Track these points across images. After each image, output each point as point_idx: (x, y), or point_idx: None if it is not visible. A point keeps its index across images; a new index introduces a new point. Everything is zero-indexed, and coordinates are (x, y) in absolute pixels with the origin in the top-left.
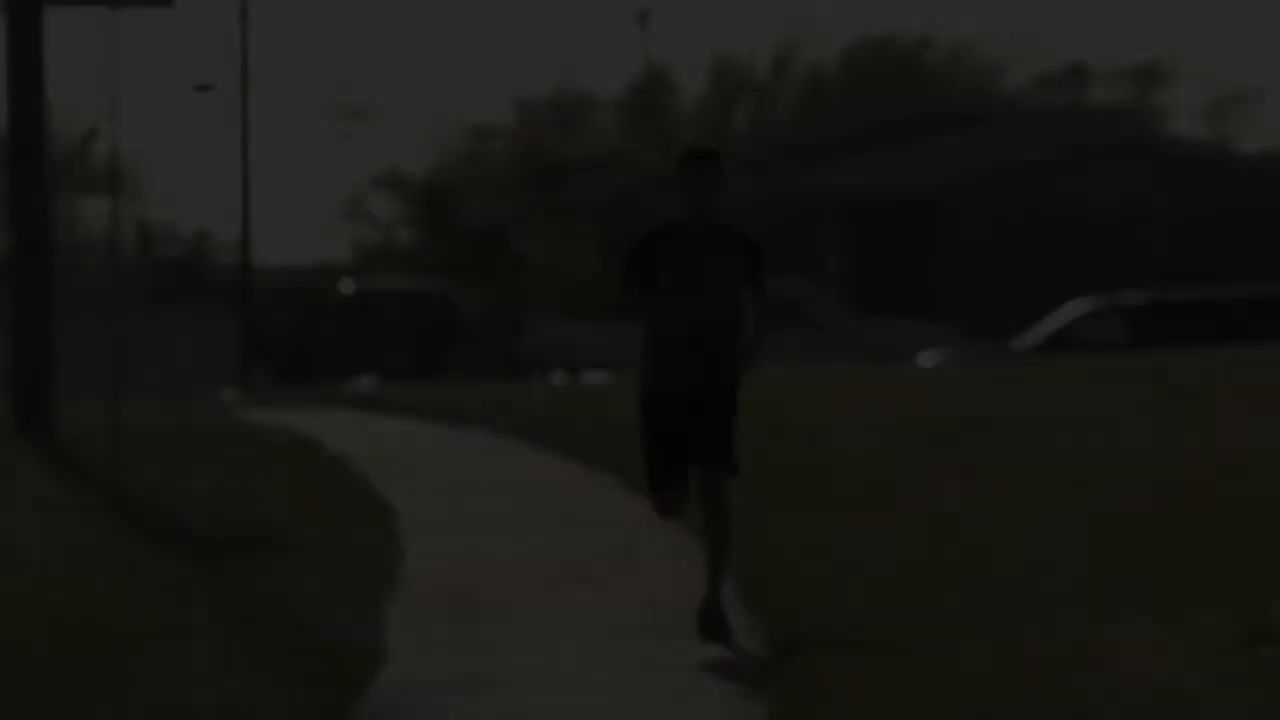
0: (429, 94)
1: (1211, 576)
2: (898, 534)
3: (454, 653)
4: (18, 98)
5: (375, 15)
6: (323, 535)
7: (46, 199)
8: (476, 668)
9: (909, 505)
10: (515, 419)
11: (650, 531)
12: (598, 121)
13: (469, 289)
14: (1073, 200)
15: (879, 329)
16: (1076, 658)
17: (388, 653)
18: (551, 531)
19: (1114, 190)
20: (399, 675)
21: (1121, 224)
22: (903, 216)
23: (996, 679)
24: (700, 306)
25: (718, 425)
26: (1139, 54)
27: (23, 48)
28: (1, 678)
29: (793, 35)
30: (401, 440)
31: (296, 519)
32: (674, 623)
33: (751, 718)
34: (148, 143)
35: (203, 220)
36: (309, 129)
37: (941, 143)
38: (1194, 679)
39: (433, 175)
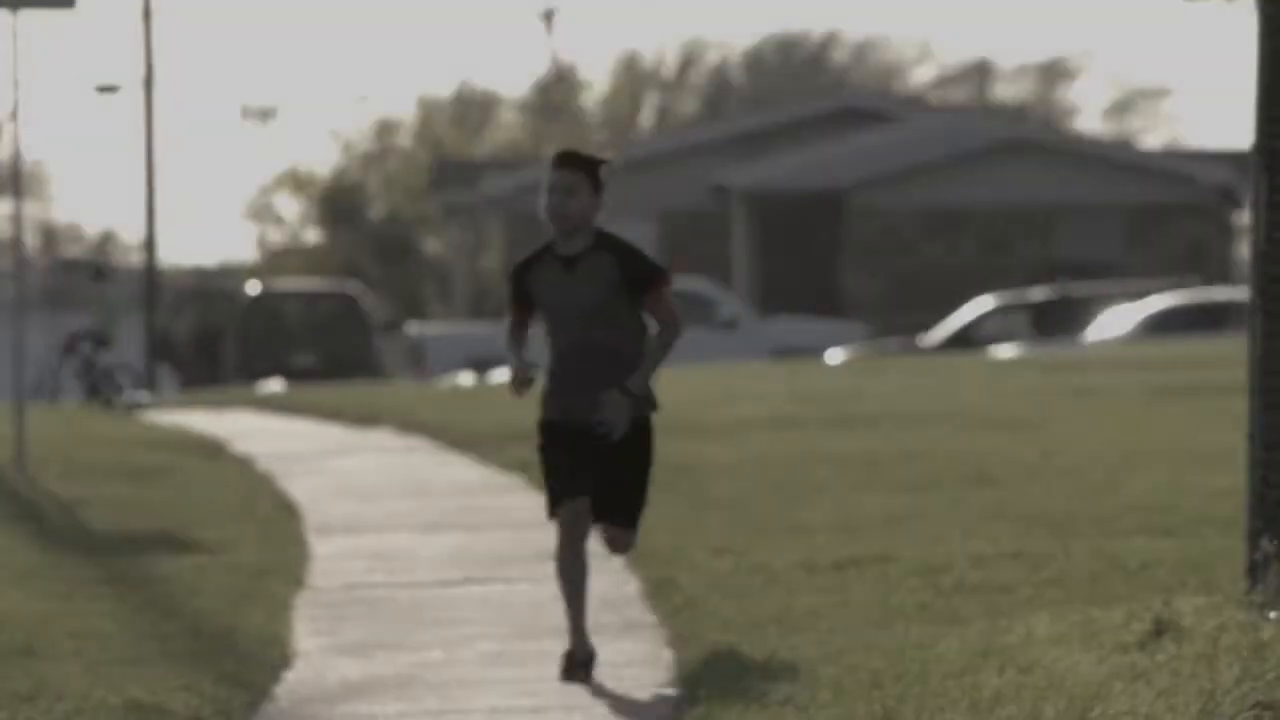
0: (334, 93)
1: (1115, 572)
2: (801, 531)
3: (361, 653)
4: None
5: (280, 15)
6: (229, 536)
7: None
8: (383, 668)
9: (811, 502)
10: (422, 420)
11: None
12: (503, 119)
13: (375, 289)
14: (978, 197)
15: (785, 326)
16: (978, 652)
17: (294, 653)
18: (458, 532)
19: (1019, 187)
20: (306, 676)
21: (1026, 220)
22: (808, 214)
23: (896, 674)
24: (581, 339)
25: (623, 477)
26: (1043, 51)
27: None
28: None
29: (698, 34)
30: (308, 441)
31: (202, 520)
32: None
33: (660, 716)
34: (52, 145)
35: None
36: (214, 129)
37: (846, 140)
38: (1096, 672)
39: (338, 174)
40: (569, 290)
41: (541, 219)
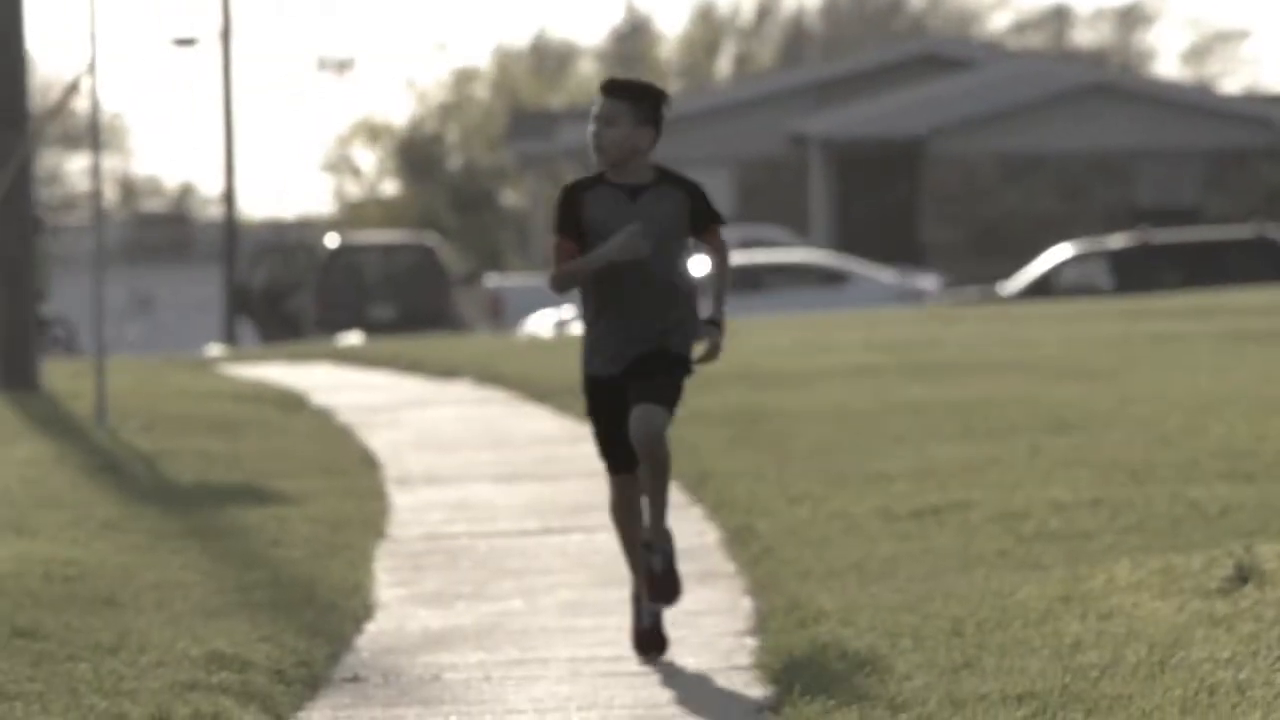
0: (411, 43)
1: (1196, 519)
2: (880, 479)
3: (441, 603)
4: None
5: None
6: (309, 488)
7: (28, 156)
8: (463, 618)
9: (889, 451)
10: (500, 371)
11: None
12: (580, 69)
13: (452, 241)
14: (1056, 143)
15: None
16: (1058, 599)
17: (375, 604)
18: (536, 482)
19: (1098, 133)
20: (386, 626)
21: (1105, 167)
22: (886, 162)
23: (977, 621)
24: (644, 276)
25: (659, 371)
26: None
27: (1, 3)
28: None
29: None
30: (387, 394)
31: (283, 472)
32: None
33: (739, 663)
34: (131, 98)
35: (187, 175)
36: (291, 81)
37: (924, 87)
38: (1177, 619)
39: (415, 126)
40: (635, 219)
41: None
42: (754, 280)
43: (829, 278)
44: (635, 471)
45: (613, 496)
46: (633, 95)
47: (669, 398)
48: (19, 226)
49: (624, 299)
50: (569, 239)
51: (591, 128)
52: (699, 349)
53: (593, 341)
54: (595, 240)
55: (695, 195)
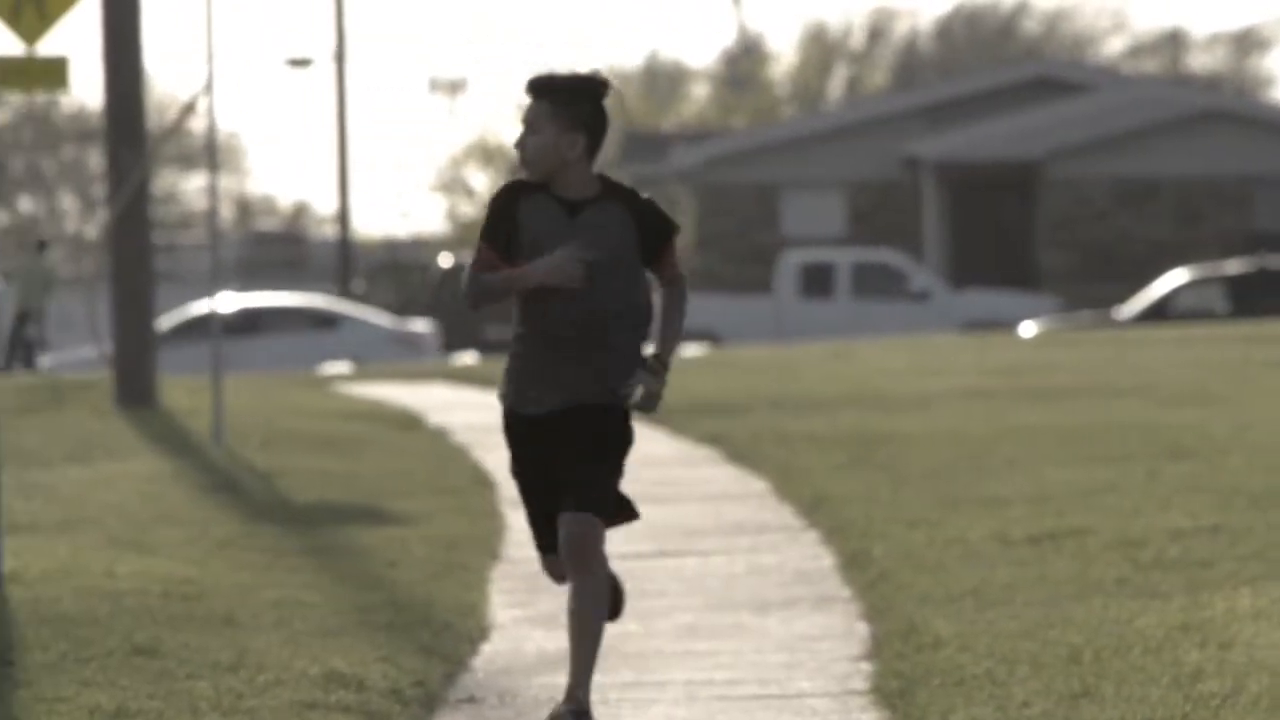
0: (522, 65)
1: None
2: (995, 504)
3: (556, 625)
4: (115, 73)
5: None
6: (425, 508)
7: (145, 175)
8: None
9: (1004, 475)
10: None
11: (752, 506)
12: (691, 91)
13: None
14: (1172, 168)
15: (977, 299)
16: (1178, 627)
17: (491, 625)
18: (652, 505)
19: (1213, 157)
20: (502, 647)
21: (1221, 192)
22: (1000, 185)
23: (1095, 649)
24: (582, 304)
25: (592, 446)
26: (1237, 20)
27: (120, 23)
28: (110, 652)
29: (886, 4)
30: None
31: (399, 492)
32: (778, 596)
33: (855, 687)
34: (247, 118)
35: (301, 194)
36: (404, 102)
37: (1039, 111)
38: None
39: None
40: (572, 238)
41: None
42: (252, 323)
43: (321, 321)
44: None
45: (552, 575)
46: (557, 95)
47: (605, 495)
48: (136, 246)
49: (554, 330)
50: (492, 248)
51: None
52: (633, 396)
53: (516, 371)
54: (526, 256)
55: (644, 212)
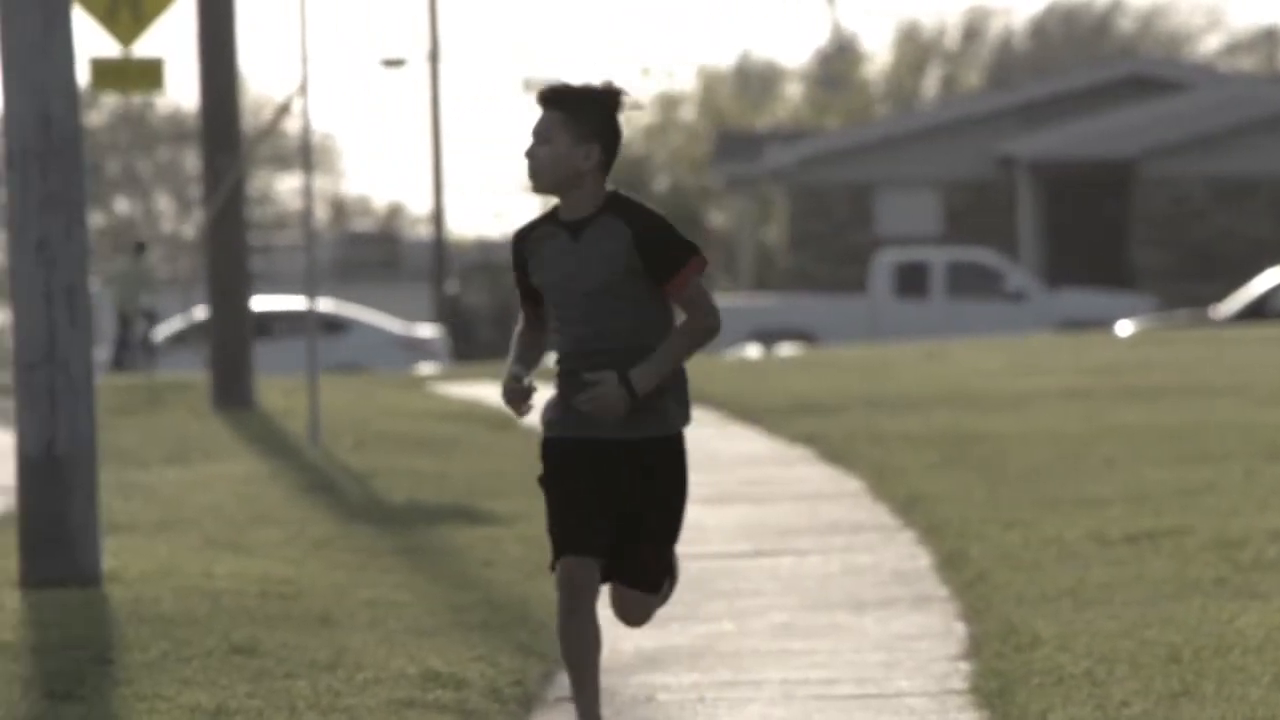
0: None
1: None
2: (1093, 504)
3: (653, 624)
4: (210, 74)
5: None
6: (519, 508)
7: (240, 176)
8: (675, 639)
9: (1101, 475)
10: (709, 392)
11: (846, 505)
12: (785, 91)
13: None
14: (1270, 166)
15: (1073, 298)
16: (1278, 627)
17: None
18: (747, 504)
19: None
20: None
21: None
22: (1096, 184)
23: (1194, 649)
24: (588, 331)
25: (643, 518)
26: None
27: (215, 24)
28: (208, 651)
29: (981, 3)
30: None
31: (493, 491)
32: (874, 596)
33: (953, 687)
34: (342, 119)
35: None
36: (498, 102)
37: (1134, 109)
38: None
39: (621, 147)
40: (574, 265)
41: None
42: (263, 328)
43: (330, 326)
44: (593, 557)
45: (560, 604)
46: (571, 105)
47: (662, 569)
48: (232, 247)
49: (573, 359)
50: (524, 300)
51: (528, 153)
52: (587, 392)
53: (550, 400)
54: (543, 287)
55: (646, 229)
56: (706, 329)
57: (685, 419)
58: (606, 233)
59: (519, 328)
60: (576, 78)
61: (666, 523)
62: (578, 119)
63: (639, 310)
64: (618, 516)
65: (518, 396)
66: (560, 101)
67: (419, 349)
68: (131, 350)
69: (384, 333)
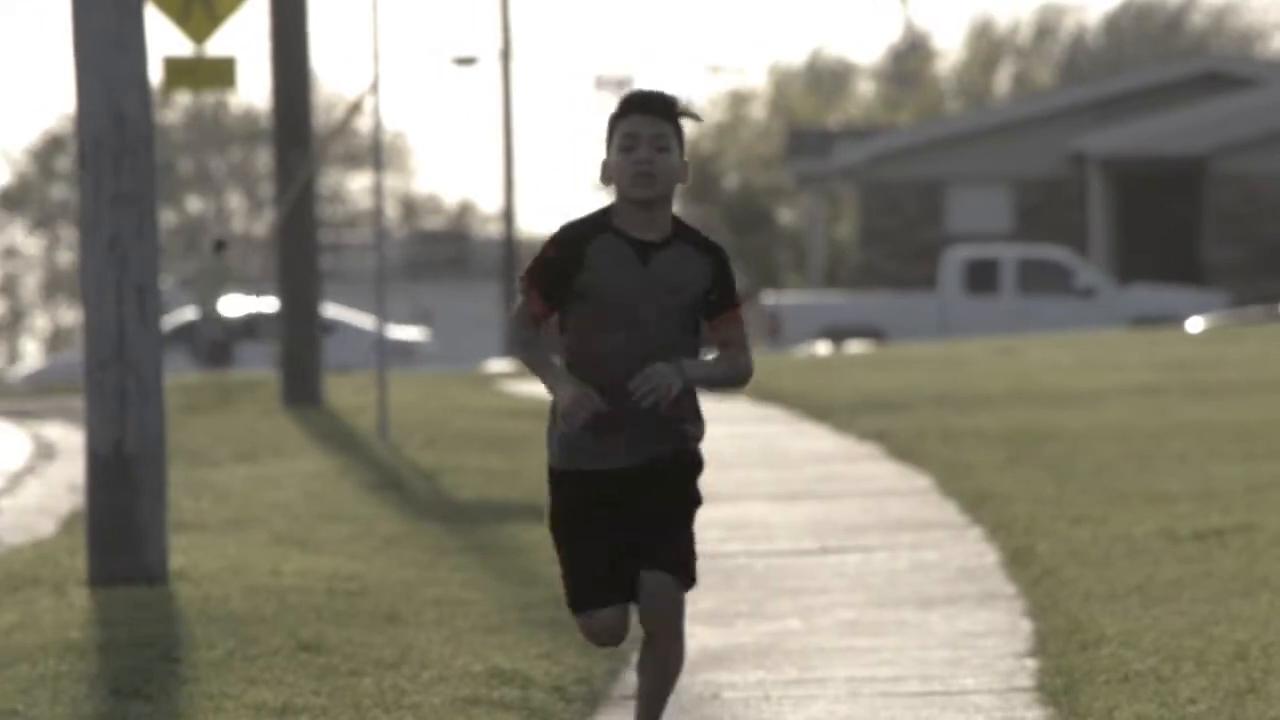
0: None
1: None
2: (1162, 500)
3: (719, 622)
4: (282, 73)
5: None
6: None
7: (311, 174)
8: (741, 637)
9: (1171, 471)
10: (778, 389)
11: (914, 502)
12: (857, 88)
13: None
14: None
15: (1144, 295)
16: None
17: None
18: (814, 501)
19: None
20: None
21: None
22: (1168, 180)
23: (1262, 645)
24: (641, 358)
25: (670, 512)
26: None
27: (287, 22)
28: (275, 649)
29: (1054, 0)
30: None
31: None
32: (941, 592)
33: (1019, 684)
34: (413, 117)
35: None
36: (569, 100)
37: (1207, 105)
38: None
39: (691, 145)
40: (644, 288)
41: (615, 183)
42: (250, 329)
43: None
44: (620, 606)
45: (591, 634)
46: (676, 119)
47: (685, 556)
48: (302, 245)
49: (616, 382)
50: (542, 297)
51: (624, 156)
52: (638, 382)
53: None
54: (597, 307)
55: (721, 265)
56: (748, 369)
57: (700, 436)
58: (683, 260)
59: (525, 333)
60: (651, 84)
61: (680, 514)
62: (680, 133)
63: (686, 344)
64: (637, 520)
65: (590, 406)
66: (672, 114)
67: (403, 352)
68: (206, 348)
69: (367, 334)
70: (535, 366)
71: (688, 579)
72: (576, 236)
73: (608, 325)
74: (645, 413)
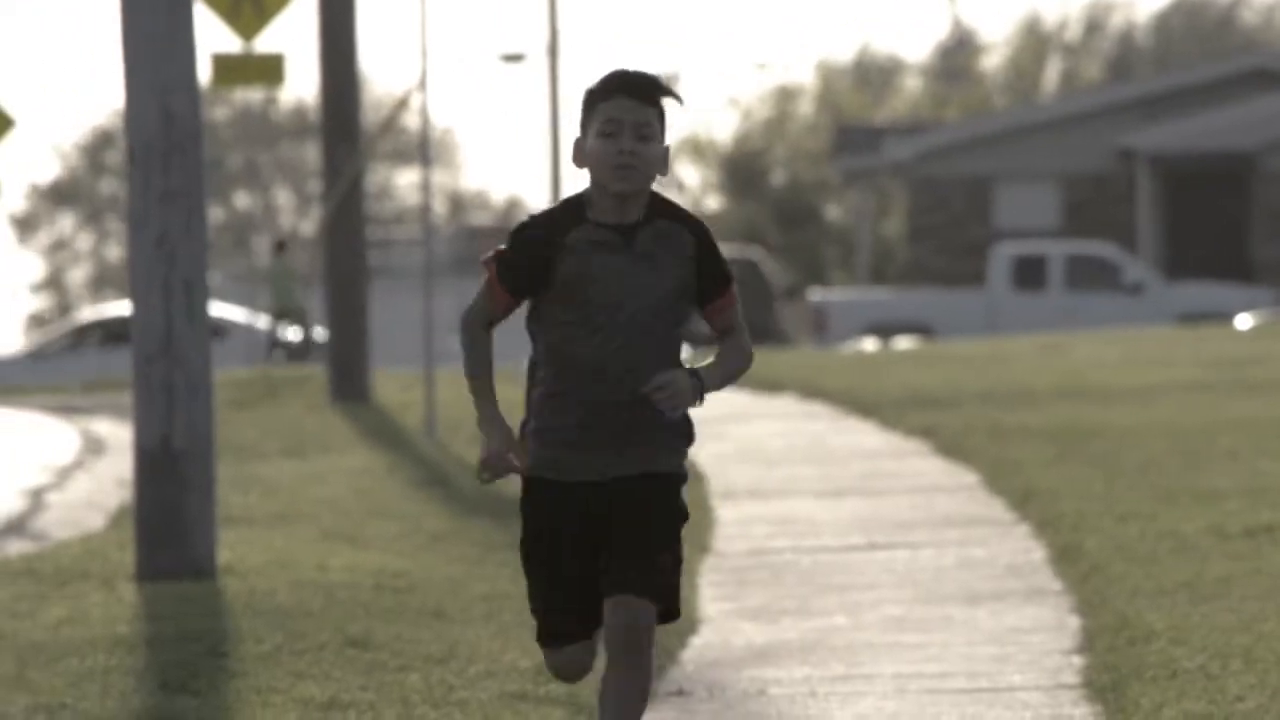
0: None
1: None
2: (1211, 497)
3: (765, 618)
4: (330, 69)
5: None
6: None
7: (360, 171)
8: (787, 633)
9: (1220, 468)
10: (824, 386)
11: (962, 499)
12: (904, 84)
13: (776, 255)
14: None
15: (1193, 291)
16: None
17: (700, 618)
18: (861, 497)
19: None
20: (712, 640)
21: None
22: (1216, 177)
23: None
24: (625, 352)
25: (649, 530)
26: None
27: (335, 19)
28: (322, 644)
29: None
30: (711, 407)
31: None
32: (988, 589)
33: (1066, 681)
34: (461, 113)
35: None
36: None
37: (1256, 103)
38: None
39: (739, 141)
40: (630, 276)
41: (590, 170)
42: (117, 335)
43: (213, 331)
44: (587, 641)
45: (557, 668)
46: (662, 100)
47: (661, 580)
48: (351, 241)
49: (597, 384)
50: (507, 290)
51: (605, 142)
52: (660, 383)
53: (542, 428)
54: (579, 301)
55: (704, 240)
56: (750, 352)
57: (679, 459)
58: (666, 238)
59: (475, 336)
60: (647, 70)
61: (664, 527)
62: (663, 118)
63: (672, 333)
64: (613, 536)
65: (501, 470)
66: (658, 98)
67: (286, 350)
68: (278, 347)
69: (259, 334)
70: (472, 388)
71: (666, 610)
72: (554, 224)
73: (591, 322)
74: (628, 422)
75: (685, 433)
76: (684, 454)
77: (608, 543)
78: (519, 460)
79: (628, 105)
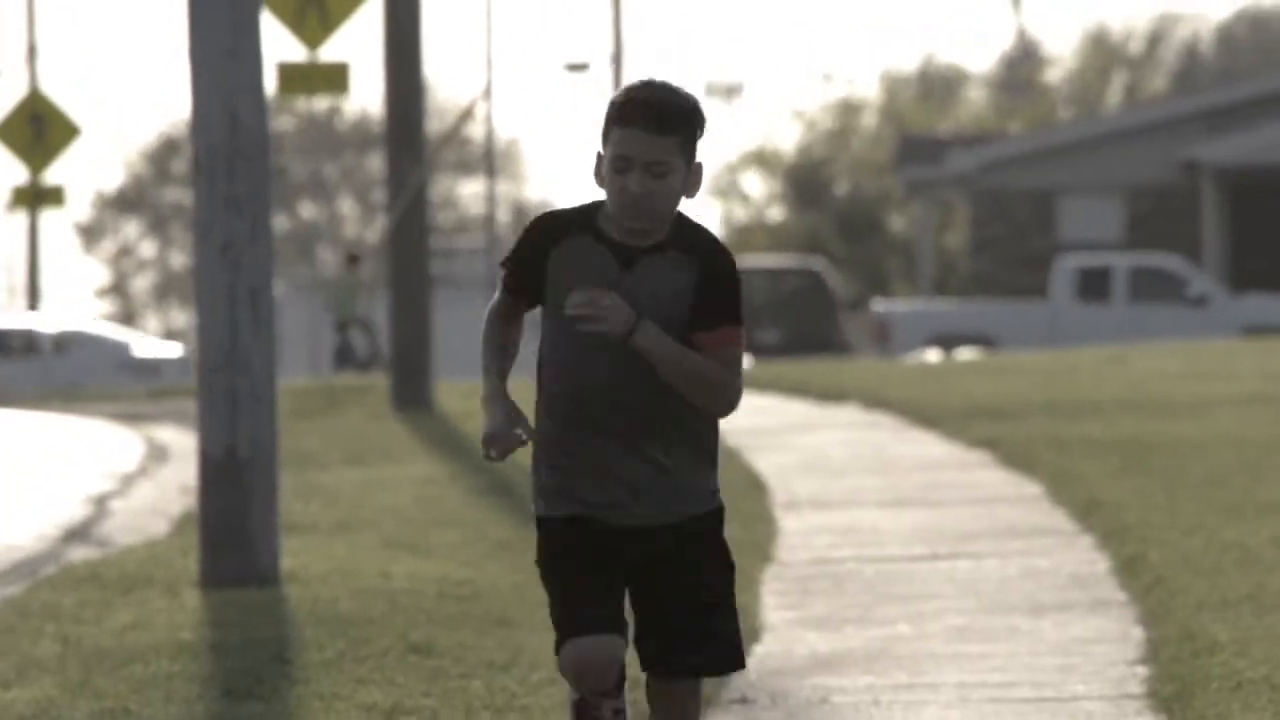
0: (798, 70)
1: None
2: (1275, 510)
3: (828, 627)
4: (396, 78)
5: None
6: None
7: (424, 180)
8: (850, 642)
9: None
10: (887, 396)
11: (1025, 510)
12: (968, 95)
13: (839, 266)
14: None
15: (1257, 304)
16: None
17: (763, 626)
18: (923, 508)
19: None
20: (775, 649)
21: None
22: None
23: None
24: (621, 381)
25: (704, 591)
26: None
27: (400, 29)
28: (385, 650)
29: (1168, 9)
30: (774, 417)
31: None
32: (1052, 600)
33: (1130, 691)
34: (525, 123)
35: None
36: None
37: None
38: None
39: (803, 152)
40: (624, 289)
41: (608, 193)
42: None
43: (56, 345)
44: (612, 635)
45: (575, 699)
46: (687, 127)
47: (729, 641)
48: (414, 251)
49: (593, 415)
50: (512, 289)
51: (617, 179)
52: (580, 299)
53: (551, 466)
54: (560, 308)
55: (712, 274)
56: (732, 388)
57: (709, 499)
58: (668, 271)
59: (490, 327)
60: (671, 86)
61: (712, 593)
62: (690, 143)
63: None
64: (652, 603)
65: (508, 446)
66: (675, 126)
67: (145, 369)
68: (353, 357)
69: (112, 348)
70: (483, 377)
71: (731, 660)
72: (548, 230)
73: (571, 330)
74: (633, 471)
75: (706, 449)
76: (713, 480)
77: (644, 587)
78: (525, 432)
79: (641, 140)
